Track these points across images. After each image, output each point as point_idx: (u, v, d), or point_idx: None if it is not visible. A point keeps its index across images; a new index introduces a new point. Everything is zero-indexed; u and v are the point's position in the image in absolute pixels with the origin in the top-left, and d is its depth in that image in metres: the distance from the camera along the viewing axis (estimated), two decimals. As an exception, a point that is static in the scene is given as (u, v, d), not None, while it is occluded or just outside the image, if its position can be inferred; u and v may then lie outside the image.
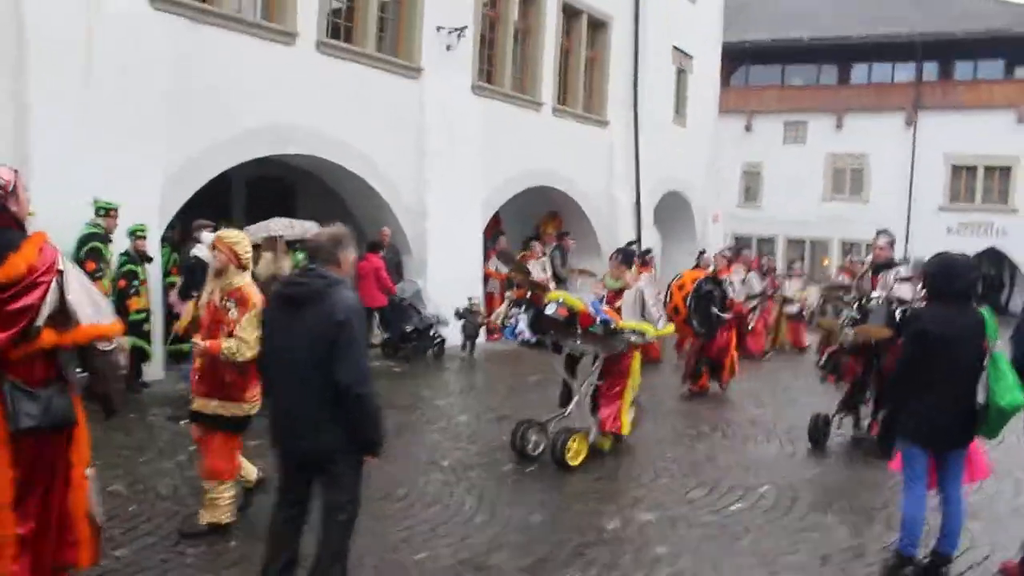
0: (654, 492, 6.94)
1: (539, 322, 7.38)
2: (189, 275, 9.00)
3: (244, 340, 5.11)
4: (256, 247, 9.76)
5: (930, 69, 31.80)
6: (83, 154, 9.52)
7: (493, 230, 16.53)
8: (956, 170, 31.04)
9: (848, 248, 30.66)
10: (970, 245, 26.10)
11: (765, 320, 15.63)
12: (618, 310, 7.82)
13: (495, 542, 5.59)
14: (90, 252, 8.97)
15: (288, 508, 4.28)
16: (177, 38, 10.65)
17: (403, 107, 13.98)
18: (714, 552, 5.61)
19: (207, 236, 9.33)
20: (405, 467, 7.05)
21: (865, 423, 8.65)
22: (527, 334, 7.46)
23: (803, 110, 33.12)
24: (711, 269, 11.70)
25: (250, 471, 5.76)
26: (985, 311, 4.96)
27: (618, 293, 8.08)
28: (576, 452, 7.33)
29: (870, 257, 9.12)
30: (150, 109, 10.31)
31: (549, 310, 7.26)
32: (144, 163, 10.23)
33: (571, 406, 7.74)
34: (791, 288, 16.99)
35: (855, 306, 8.40)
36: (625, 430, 7.90)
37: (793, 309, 16.62)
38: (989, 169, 30.65)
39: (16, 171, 3.74)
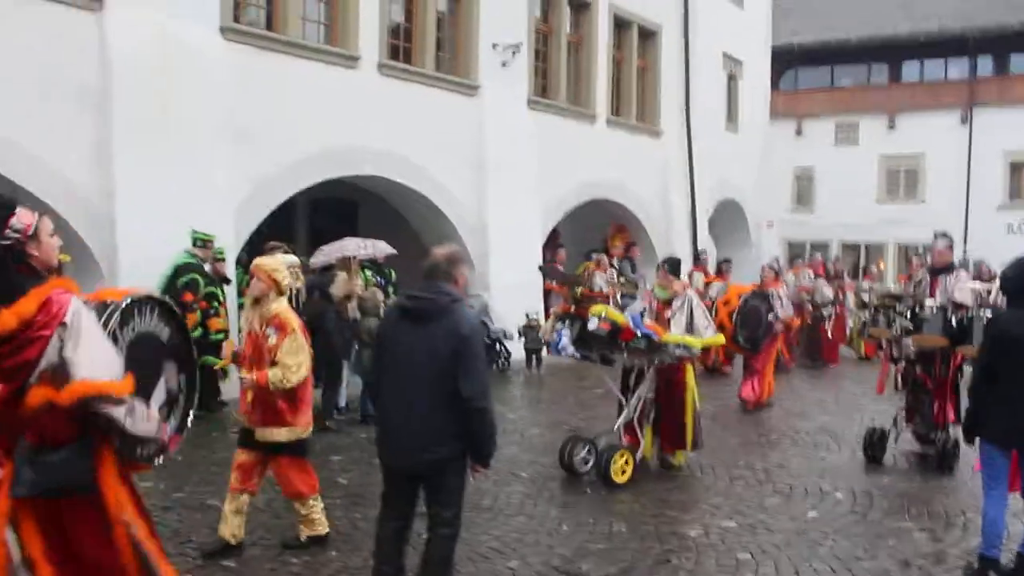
0: (731, 500, 7.06)
1: (584, 337, 7.43)
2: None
3: (287, 366, 5.20)
4: (329, 268, 10.18)
5: (984, 64, 31.37)
6: (164, 182, 9.94)
7: (553, 244, 16.74)
8: (1015, 167, 30.53)
9: (903, 251, 30.37)
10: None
11: (841, 327, 15.47)
12: (668, 322, 7.78)
13: (581, 550, 5.76)
14: (188, 284, 9.36)
15: (395, 520, 4.44)
16: (245, 66, 11.04)
17: (462, 124, 14.27)
18: (795, 557, 5.73)
19: (285, 258, 9.70)
20: (487, 479, 7.27)
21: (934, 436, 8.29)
22: (570, 349, 7.56)
23: (854, 111, 32.80)
24: (757, 282, 11.82)
25: (234, 530, 5.52)
26: None
27: (667, 303, 8.00)
28: (621, 469, 7.29)
29: (928, 260, 9.00)
30: (222, 136, 10.70)
31: (591, 325, 7.31)
32: (217, 189, 10.62)
33: (619, 421, 7.74)
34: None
35: (907, 315, 8.20)
36: (689, 447, 7.86)
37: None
38: (1050, 165, 30.11)
39: (41, 215, 3.49)
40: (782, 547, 5.91)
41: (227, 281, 10.28)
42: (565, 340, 7.56)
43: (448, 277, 4.32)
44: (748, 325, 10.56)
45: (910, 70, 32.89)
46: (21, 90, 9.08)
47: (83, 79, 9.59)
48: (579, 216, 17.52)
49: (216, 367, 9.52)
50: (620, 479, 7.23)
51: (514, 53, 14.98)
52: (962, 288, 7.89)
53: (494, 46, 14.73)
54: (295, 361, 5.22)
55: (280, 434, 5.36)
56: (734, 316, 10.38)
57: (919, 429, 8.34)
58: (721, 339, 8.56)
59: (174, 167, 10.10)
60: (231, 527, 5.46)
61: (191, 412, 4.27)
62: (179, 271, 9.53)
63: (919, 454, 8.41)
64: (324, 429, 9.04)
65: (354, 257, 9.90)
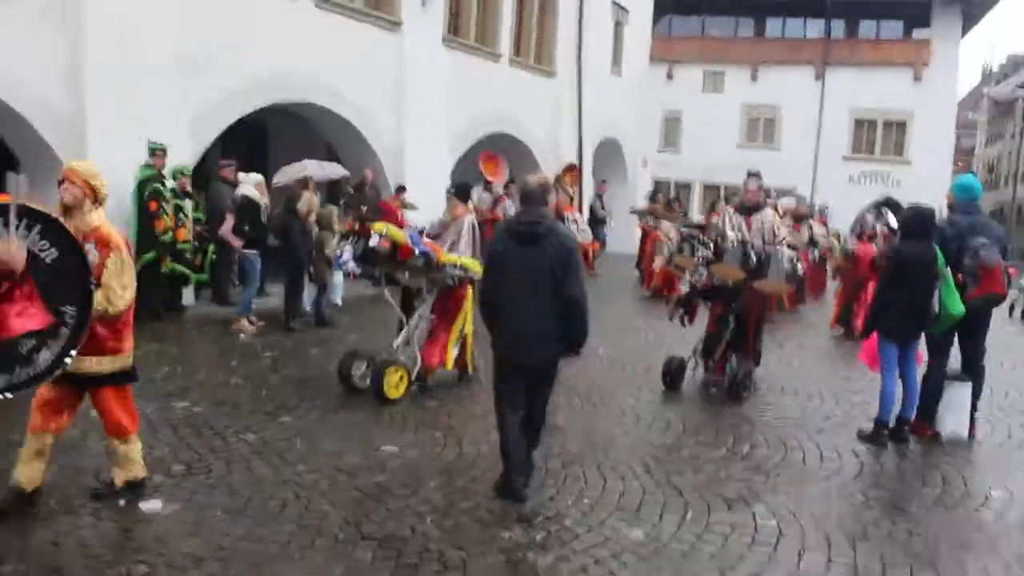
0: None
1: (367, 254, 7.53)
2: (241, 212, 10.33)
3: (112, 289, 4.52)
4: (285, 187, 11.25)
5: (837, 27, 34.24)
6: (127, 103, 10.71)
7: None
8: (859, 123, 33.81)
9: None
10: (869, 193, 28.62)
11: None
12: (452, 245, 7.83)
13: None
14: (152, 193, 10.26)
15: (516, 413, 5.29)
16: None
17: (385, 57, 15.30)
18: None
19: (252, 176, 10.78)
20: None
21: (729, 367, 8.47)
22: (351, 265, 7.63)
23: (721, 61, 35.29)
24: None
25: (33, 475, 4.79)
26: (936, 246, 6.86)
27: (445, 227, 8.07)
28: (395, 384, 7.29)
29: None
30: (176, 61, 11.43)
31: (372, 242, 7.40)
32: (173, 110, 11.42)
33: (398, 340, 7.80)
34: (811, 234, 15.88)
35: (710, 245, 8.45)
36: (448, 365, 7.96)
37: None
38: (887, 123, 33.54)
39: None
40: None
41: (190, 196, 11.18)
42: (347, 256, 7.64)
43: (544, 202, 5.33)
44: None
45: (773, 27, 35.50)
46: (7, 15, 9.65)
47: (56, 12, 10.18)
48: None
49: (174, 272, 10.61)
50: (394, 394, 7.26)
51: (431, -8, 16.05)
52: (768, 228, 8.43)
53: (415, -15, 15.75)
54: (120, 283, 4.56)
55: (103, 364, 4.73)
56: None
57: (711, 357, 8.61)
58: (478, 266, 7.92)
59: (137, 89, 10.84)
60: (29, 472, 4.72)
61: (71, 351, 4.23)
62: (142, 184, 10.42)
63: (707, 381, 8.64)
64: (289, 330, 10.30)
65: (310, 177, 10.99)
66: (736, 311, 8.36)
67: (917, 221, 6.94)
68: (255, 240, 10.43)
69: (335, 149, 15.62)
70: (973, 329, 7.11)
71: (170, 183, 10.77)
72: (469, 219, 8.06)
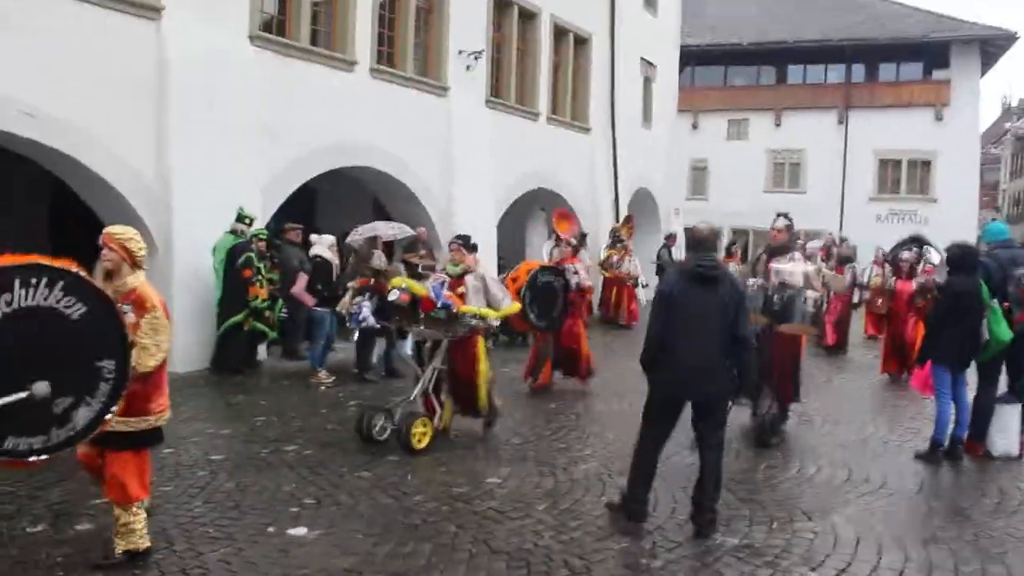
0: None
1: (384, 309, 7.80)
2: (315, 272, 11.08)
3: (145, 347, 4.69)
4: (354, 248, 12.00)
5: (858, 71, 35.09)
6: (209, 170, 11.57)
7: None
8: (883, 163, 34.48)
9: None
10: (896, 231, 29.13)
11: None
12: (462, 296, 7.92)
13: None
14: (246, 262, 11.00)
15: (661, 447, 5.76)
16: (268, 68, 12.67)
17: (433, 121, 16.19)
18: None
19: (326, 238, 11.57)
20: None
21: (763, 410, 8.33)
22: (371, 320, 7.76)
23: (744, 108, 36.18)
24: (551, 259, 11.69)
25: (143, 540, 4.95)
26: (981, 280, 7.49)
27: (460, 279, 8.12)
28: (421, 436, 7.50)
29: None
30: (251, 130, 12.34)
31: (392, 296, 7.57)
32: (249, 177, 12.28)
33: (416, 391, 7.87)
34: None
35: None
36: (483, 411, 8.16)
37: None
38: (912, 162, 34.14)
39: None
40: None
41: (266, 257, 11.97)
42: (366, 312, 7.77)
43: (715, 248, 5.92)
44: (539, 302, 10.13)
45: (795, 73, 36.38)
46: (94, 89, 10.48)
47: (145, 79, 11.11)
48: (521, 205, 19.67)
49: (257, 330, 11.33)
50: (419, 446, 7.45)
51: (476, 58, 16.98)
52: (792, 272, 8.14)
53: (460, 52, 16.68)
54: (154, 341, 4.72)
55: (129, 423, 4.76)
56: (522, 292, 9.84)
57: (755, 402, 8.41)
58: (517, 306, 8.59)
59: (216, 157, 11.72)
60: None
61: (111, 407, 4.32)
62: (234, 252, 11.14)
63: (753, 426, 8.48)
64: (364, 381, 10.98)
65: (377, 237, 11.75)
66: (762, 354, 7.95)
67: (964, 257, 7.58)
68: (327, 298, 11.18)
69: (384, 207, 16.47)
70: (1018, 352, 7.69)
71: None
72: (484, 269, 8.36)
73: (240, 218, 11.29)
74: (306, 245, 12.03)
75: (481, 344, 8.17)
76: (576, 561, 5.07)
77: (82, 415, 4.17)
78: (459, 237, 8.57)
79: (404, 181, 15.58)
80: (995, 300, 7.47)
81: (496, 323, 8.28)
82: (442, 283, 7.92)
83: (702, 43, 34.84)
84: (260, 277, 11.63)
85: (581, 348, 11.02)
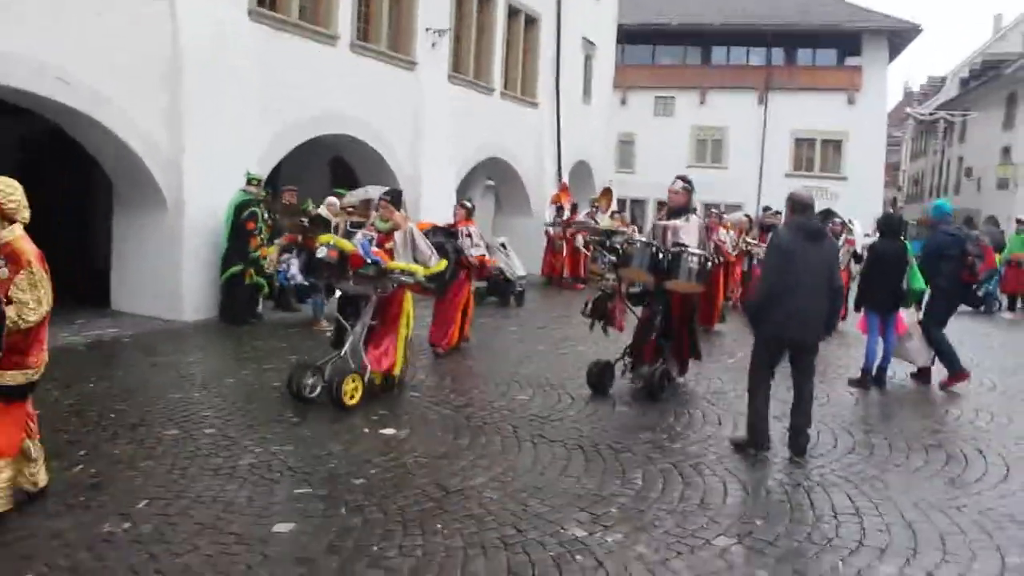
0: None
1: (313, 265, 7.83)
2: (314, 231, 12.23)
3: (25, 302, 4.56)
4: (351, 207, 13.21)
5: (777, 55, 37.28)
6: (216, 137, 12.62)
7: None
8: (799, 142, 36.86)
9: (708, 209, 35.83)
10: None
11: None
12: (389, 252, 7.98)
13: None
14: (250, 215, 12.09)
15: (770, 378, 6.65)
16: (264, 42, 13.70)
17: (404, 93, 17.38)
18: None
19: (328, 199, 12.75)
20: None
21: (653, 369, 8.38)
22: (299, 277, 7.85)
23: (671, 87, 38.05)
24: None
25: (41, 475, 5.11)
26: (908, 242, 9.33)
27: (388, 235, 8.18)
28: (352, 392, 7.45)
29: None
30: (251, 100, 13.40)
31: (320, 253, 7.54)
32: (249, 143, 13.34)
33: (345, 347, 7.82)
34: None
35: (619, 249, 8.40)
36: (396, 370, 8.14)
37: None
38: (825, 142, 36.62)
39: None
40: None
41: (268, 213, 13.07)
42: (294, 269, 7.85)
43: (812, 211, 6.76)
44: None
45: (719, 54, 38.39)
46: (117, 60, 11.40)
47: (160, 51, 12.07)
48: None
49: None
50: (351, 402, 7.41)
51: (440, 35, 18.20)
52: (688, 230, 8.31)
53: (427, 30, 17.88)
54: (32, 297, 4.58)
55: (4, 376, 4.64)
56: None
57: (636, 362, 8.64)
58: (443, 265, 8.39)
59: (221, 125, 12.77)
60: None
61: None
62: (240, 207, 12.25)
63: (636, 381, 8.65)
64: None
65: (372, 200, 12.96)
66: (661, 314, 8.44)
67: (890, 224, 9.33)
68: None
69: (343, 168, 17.69)
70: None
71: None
72: (412, 226, 8.39)
73: (249, 180, 12.37)
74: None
75: (408, 299, 8.27)
76: (616, 444, 6.57)
77: None
78: (387, 193, 8.61)
79: (376, 148, 16.76)
80: (914, 258, 9.24)
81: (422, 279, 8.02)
82: (370, 239, 7.94)
83: (632, 22, 36.42)
84: (262, 231, 12.76)
85: (453, 315, 10.58)
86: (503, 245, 16.42)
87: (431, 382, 8.84)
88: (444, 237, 10.04)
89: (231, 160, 12.68)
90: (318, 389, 7.62)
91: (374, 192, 13.18)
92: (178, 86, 12.27)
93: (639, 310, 8.77)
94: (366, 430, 6.89)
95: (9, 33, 9.96)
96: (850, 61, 36.53)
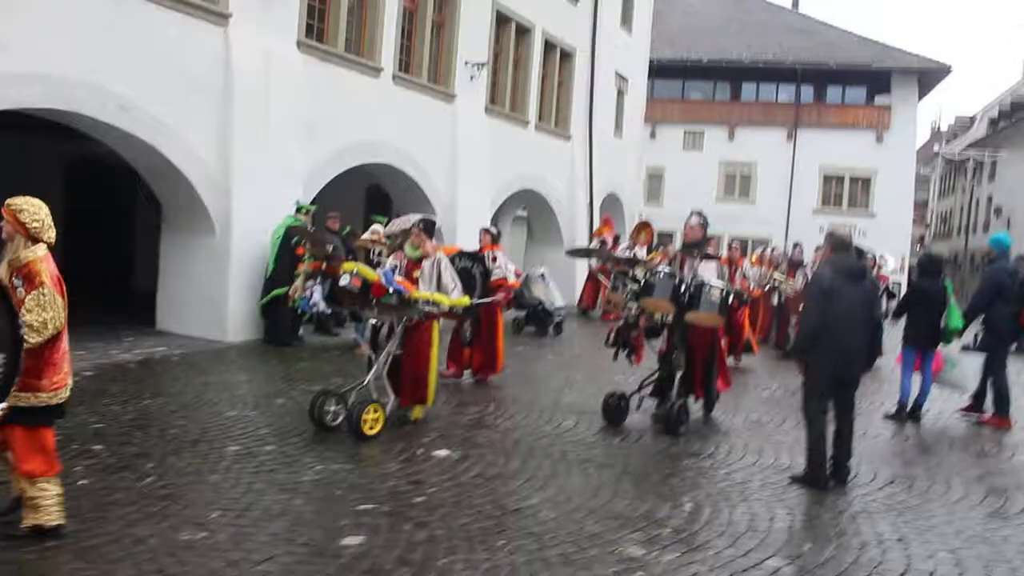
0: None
1: (335, 294, 7.66)
2: (355, 257, 12.54)
3: (30, 324, 4.55)
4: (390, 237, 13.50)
5: (807, 92, 37.59)
6: (263, 163, 12.99)
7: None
8: (827, 179, 37.10)
9: (733, 243, 35.98)
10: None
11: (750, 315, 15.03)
12: (417, 281, 7.93)
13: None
14: (299, 241, 12.37)
15: (826, 417, 6.76)
16: (311, 72, 14.12)
17: (441, 124, 17.76)
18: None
19: (373, 227, 13.06)
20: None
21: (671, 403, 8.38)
22: (322, 305, 7.65)
23: (700, 121, 38.42)
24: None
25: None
26: (947, 281, 9.51)
27: (417, 263, 8.12)
28: (372, 422, 7.34)
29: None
30: (297, 128, 13.78)
31: (343, 281, 7.42)
32: (294, 169, 13.72)
33: (369, 376, 7.74)
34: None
35: (641, 279, 8.33)
36: (429, 401, 8.13)
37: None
38: (853, 179, 36.83)
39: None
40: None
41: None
42: (317, 296, 7.68)
43: (851, 250, 7.13)
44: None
45: (748, 90, 38.74)
46: (172, 87, 11.80)
47: (212, 79, 12.48)
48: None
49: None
50: (370, 432, 7.31)
51: (479, 68, 18.60)
52: (708, 267, 8.46)
53: (466, 63, 18.28)
54: (39, 318, 4.59)
55: (20, 397, 4.60)
56: None
57: (663, 394, 8.62)
58: (466, 300, 8.25)
59: (269, 151, 13.14)
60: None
61: (1, 399, 4.29)
62: (289, 232, 12.55)
63: (656, 416, 8.67)
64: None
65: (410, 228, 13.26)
66: (680, 347, 8.42)
67: (930, 263, 9.54)
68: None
69: (381, 195, 18.02)
70: None
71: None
72: (441, 255, 8.26)
73: (298, 209, 12.72)
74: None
75: (435, 330, 8.14)
76: (664, 470, 6.77)
77: None
78: (421, 221, 8.54)
79: (414, 177, 17.12)
80: (952, 297, 9.42)
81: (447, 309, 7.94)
82: (393, 268, 7.91)
83: (663, 57, 36.85)
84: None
85: (494, 339, 10.64)
86: (543, 276, 16.66)
87: (475, 409, 9.05)
88: (470, 261, 10.14)
89: (277, 186, 13.07)
90: (340, 417, 7.53)
91: (415, 219, 13.51)
92: (229, 113, 12.67)
93: (655, 344, 8.76)
94: (420, 451, 7.12)
95: (76, 63, 10.40)
96: (879, 100, 36.76)
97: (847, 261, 6.81)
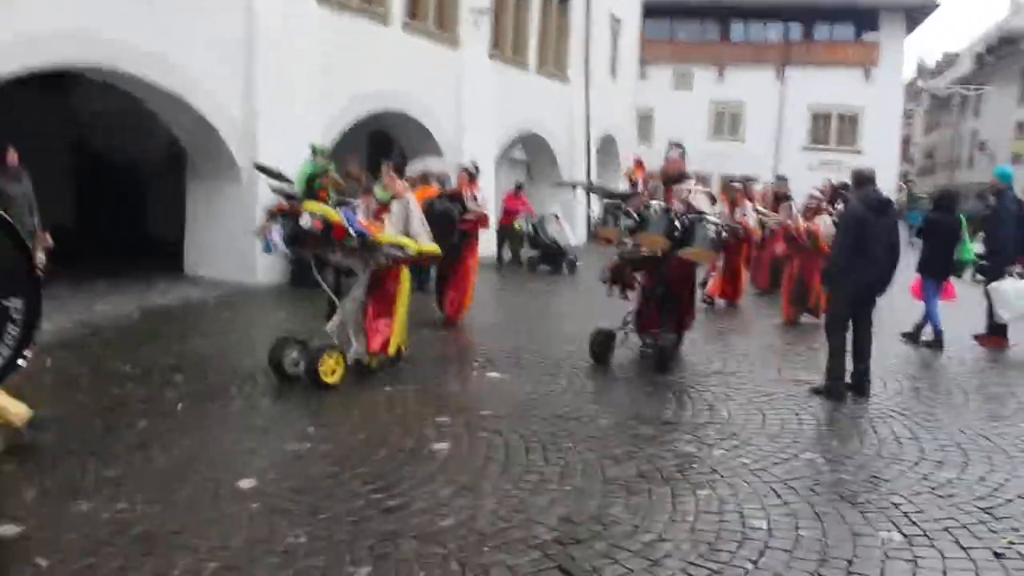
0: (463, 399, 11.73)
1: (298, 235, 7.09)
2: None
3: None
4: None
5: (795, 30, 37.96)
6: (286, 112, 13.49)
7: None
8: (816, 117, 37.63)
9: (726, 181, 36.67)
10: (825, 179, 32.20)
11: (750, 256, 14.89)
12: (384, 223, 7.59)
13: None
14: (321, 184, 12.97)
15: (846, 336, 7.42)
16: (328, 24, 14.54)
17: (447, 70, 18.20)
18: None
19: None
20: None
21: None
22: (282, 247, 7.21)
23: (689, 62, 38.77)
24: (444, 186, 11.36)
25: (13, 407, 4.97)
26: (962, 215, 10.19)
27: (386, 206, 7.75)
28: (331, 369, 6.97)
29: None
30: (317, 81, 14.25)
31: (303, 221, 6.95)
32: (313, 117, 14.21)
33: (332, 323, 7.43)
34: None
35: (634, 214, 8.20)
36: (391, 348, 7.68)
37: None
38: (841, 117, 37.39)
39: None
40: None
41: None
42: (277, 238, 7.20)
43: (874, 182, 7.62)
44: (435, 229, 8.77)
45: (736, 30, 39.07)
46: (198, 40, 12.23)
47: (236, 32, 12.93)
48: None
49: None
50: (330, 379, 6.95)
51: (482, 14, 18.99)
52: (697, 195, 8.42)
53: (470, 10, 18.67)
54: None
55: None
56: None
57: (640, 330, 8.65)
58: (435, 248, 7.85)
59: (292, 101, 13.64)
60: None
61: (24, 350, 4.01)
62: (312, 177, 13.13)
63: (643, 352, 8.70)
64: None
65: (431, 171, 13.81)
66: (663, 281, 8.45)
67: (945, 198, 10.23)
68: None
69: (392, 144, 18.58)
70: None
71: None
72: (411, 196, 7.91)
73: (314, 151, 13.24)
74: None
75: (405, 276, 7.78)
76: (697, 384, 7.53)
77: None
78: (392, 159, 8.25)
79: (424, 123, 17.62)
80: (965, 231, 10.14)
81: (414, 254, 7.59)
82: (354, 208, 7.47)
83: (652, -2, 37.15)
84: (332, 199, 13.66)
85: (465, 281, 10.50)
86: (556, 216, 17.29)
87: (509, 338, 9.78)
88: (449, 202, 9.89)
89: (299, 133, 13.57)
90: (301, 364, 7.07)
91: (433, 164, 14.05)
92: (252, 66, 13.15)
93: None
94: (474, 373, 7.84)
95: (111, 20, 10.83)
96: (867, 37, 37.18)
97: (874, 195, 7.47)
